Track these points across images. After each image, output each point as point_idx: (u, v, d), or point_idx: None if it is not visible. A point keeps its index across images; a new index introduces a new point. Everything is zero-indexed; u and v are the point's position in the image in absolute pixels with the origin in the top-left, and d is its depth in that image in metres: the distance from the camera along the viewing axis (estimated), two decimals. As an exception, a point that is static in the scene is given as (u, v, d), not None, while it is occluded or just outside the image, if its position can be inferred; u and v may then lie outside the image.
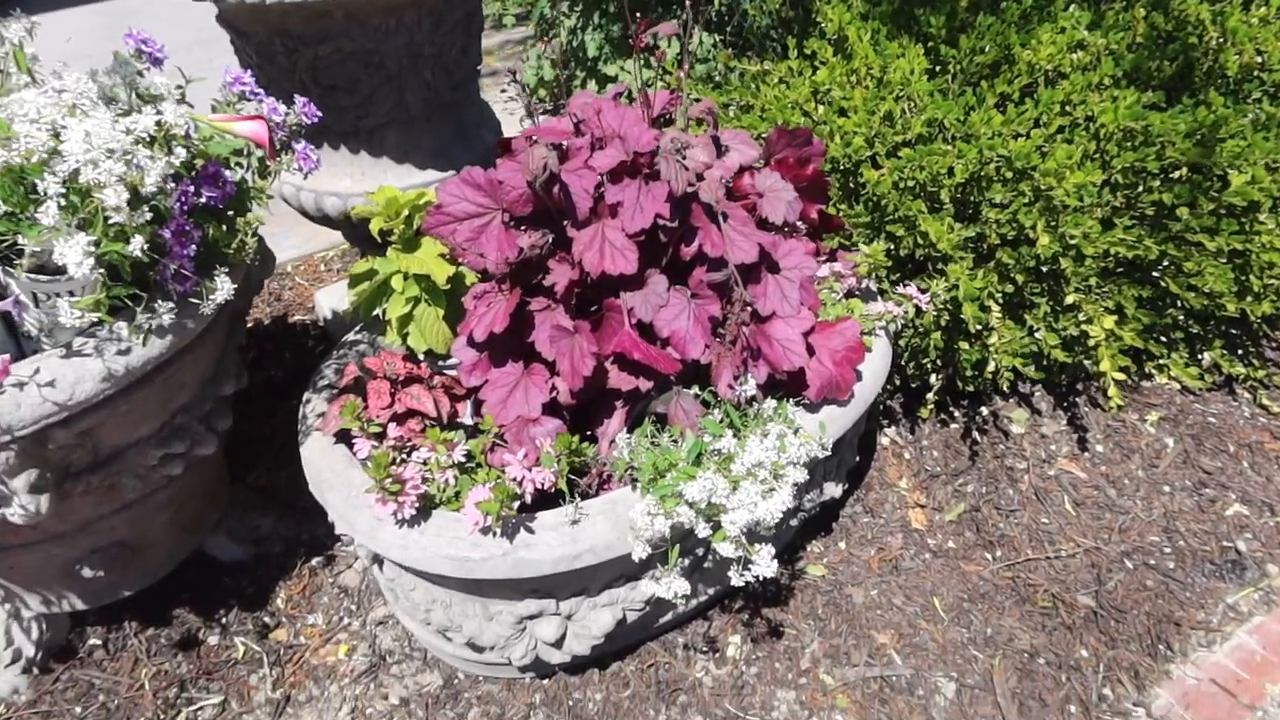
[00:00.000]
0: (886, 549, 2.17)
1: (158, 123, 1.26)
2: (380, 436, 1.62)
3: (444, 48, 2.04)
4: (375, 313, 1.85)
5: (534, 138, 1.58)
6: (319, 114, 1.63)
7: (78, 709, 1.87)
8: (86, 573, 1.76)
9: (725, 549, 1.45)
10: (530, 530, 1.54)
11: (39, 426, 1.39)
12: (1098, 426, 2.48)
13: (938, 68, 2.30)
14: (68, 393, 1.38)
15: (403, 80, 2.01)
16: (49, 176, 1.17)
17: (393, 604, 1.91)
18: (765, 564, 1.47)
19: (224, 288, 1.37)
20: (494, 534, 1.52)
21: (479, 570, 1.52)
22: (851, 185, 2.19)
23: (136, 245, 1.23)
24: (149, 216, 1.25)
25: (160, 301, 1.39)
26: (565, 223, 1.64)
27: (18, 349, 1.48)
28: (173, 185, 1.32)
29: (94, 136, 1.17)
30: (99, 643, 1.98)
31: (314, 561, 2.14)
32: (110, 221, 1.22)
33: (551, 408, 1.68)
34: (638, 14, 3.07)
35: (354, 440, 1.66)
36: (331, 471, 1.63)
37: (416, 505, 1.51)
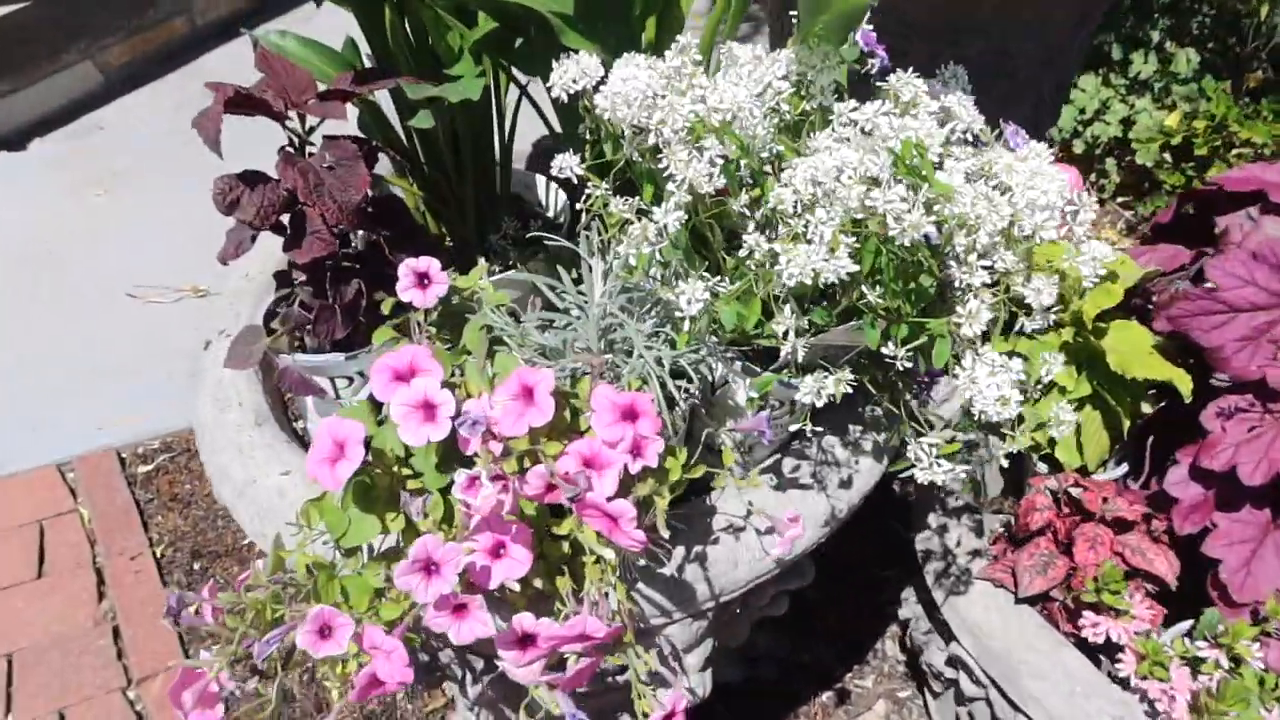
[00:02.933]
0: None
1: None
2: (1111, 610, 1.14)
3: (1070, 57, 1.55)
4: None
5: None
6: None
7: None
8: None
9: None
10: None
11: (747, 589, 0.97)
12: None
13: None
14: (787, 544, 0.95)
15: (1023, 90, 1.53)
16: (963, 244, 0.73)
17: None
18: None
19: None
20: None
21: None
22: None
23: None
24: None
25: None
26: (1404, 327, 1.13)
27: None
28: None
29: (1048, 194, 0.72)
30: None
31: (823, 697, 1.69)
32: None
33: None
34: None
35: (1049, 604, 1.19)
36: (1028, 648, 1.17)
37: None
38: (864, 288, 0.75)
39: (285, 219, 0.87)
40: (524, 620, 0.78)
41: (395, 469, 0.79)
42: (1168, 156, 2.59)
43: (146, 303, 2.43)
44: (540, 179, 1.19)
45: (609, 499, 0.73)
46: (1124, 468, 1.42)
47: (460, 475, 0.69)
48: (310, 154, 0.87)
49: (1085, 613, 1.14)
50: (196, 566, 1.91)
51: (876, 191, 0.66)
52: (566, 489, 0.71)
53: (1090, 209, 0.72)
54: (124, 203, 2.75)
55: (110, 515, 2.00)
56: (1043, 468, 1.40)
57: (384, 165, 1.15)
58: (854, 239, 0.70)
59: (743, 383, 0.93)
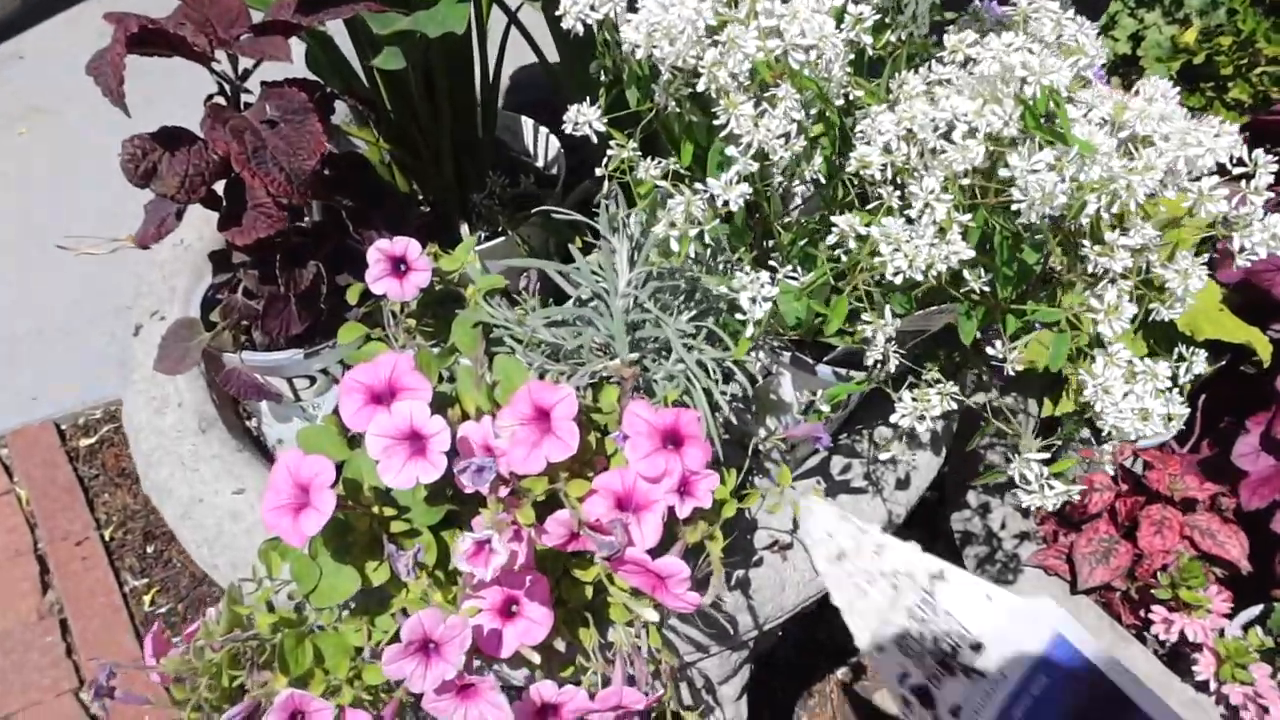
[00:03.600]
0: None
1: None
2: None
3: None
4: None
5: None
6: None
7: None
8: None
9: None
10: None
11: (794, 613, 0.83)
12: None
13: None
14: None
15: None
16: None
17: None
18: None
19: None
20: None
21: None
22: None
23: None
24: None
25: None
26: None
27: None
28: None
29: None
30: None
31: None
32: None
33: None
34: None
35: (1108, 593, 1.07)
36: (1088, 646, 1.04)
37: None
38: (965, 272, 0.59)
39: (220, 186, 0.69)
40: (543, 690, 0.63)
41: (375, 508, 0.63)
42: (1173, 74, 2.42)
43: (79, 254, 2.21)
44: (526, 121, 1.01)
45: (652, 551, 0.57)
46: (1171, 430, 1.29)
47: (464, 540, 0.53)
48: (246, 105, 0.68)
49: (1155, 608, 1.02)
50: (150, 550, 1.74)
51: (1015, 157, 0.50)
52: (601, 544, 0.55)
53: (1268, 169, 0.57)
54: (50, 142, 2.49)
55: (51, 495, 1.82)
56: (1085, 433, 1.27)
57: (339, 111, 0.96)
58: (968, 216, 0.54)
59: (788, 377, 0.77)
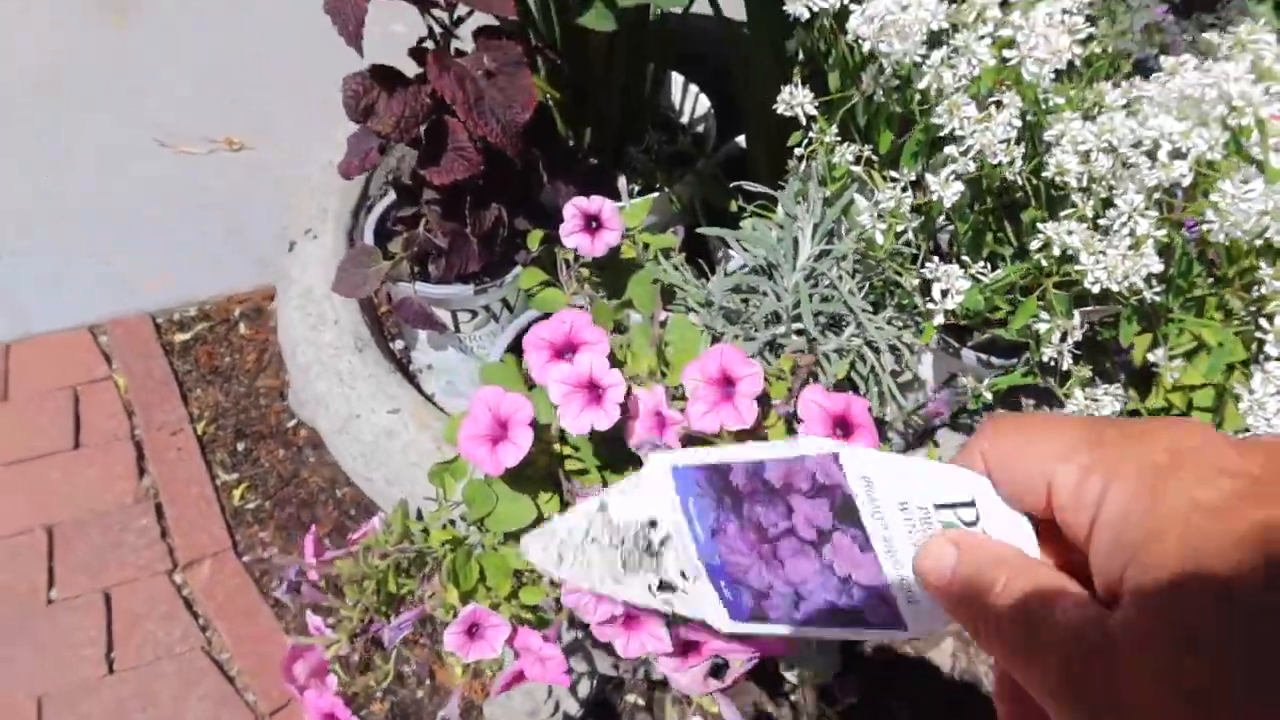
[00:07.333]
0: None
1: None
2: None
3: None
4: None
5: None
6: None
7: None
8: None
9: None
10: None
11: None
12: None
13: None
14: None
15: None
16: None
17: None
18: None
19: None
20: None
21: None
22: None
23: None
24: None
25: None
26: None
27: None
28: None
29: None
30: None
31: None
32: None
33: None
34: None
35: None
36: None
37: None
38: (1140, 282, 0.62)
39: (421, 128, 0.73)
40: (688, 628, 0.68)
41: (555, 446, 0.68)
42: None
43: (177, 152, 2.25)
44: (676, 77, 1.03)
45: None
46: None
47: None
48: (458, 53, 0.71)
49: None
50: (240, 447, 1.82)
51: (1228, 183, 0.53)
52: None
53: None
54: (144, 36, 2.52)
55: (148, 386, 1.89)
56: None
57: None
58: (1163, 231, 0.57)
59: (930, 356, 0.81)
